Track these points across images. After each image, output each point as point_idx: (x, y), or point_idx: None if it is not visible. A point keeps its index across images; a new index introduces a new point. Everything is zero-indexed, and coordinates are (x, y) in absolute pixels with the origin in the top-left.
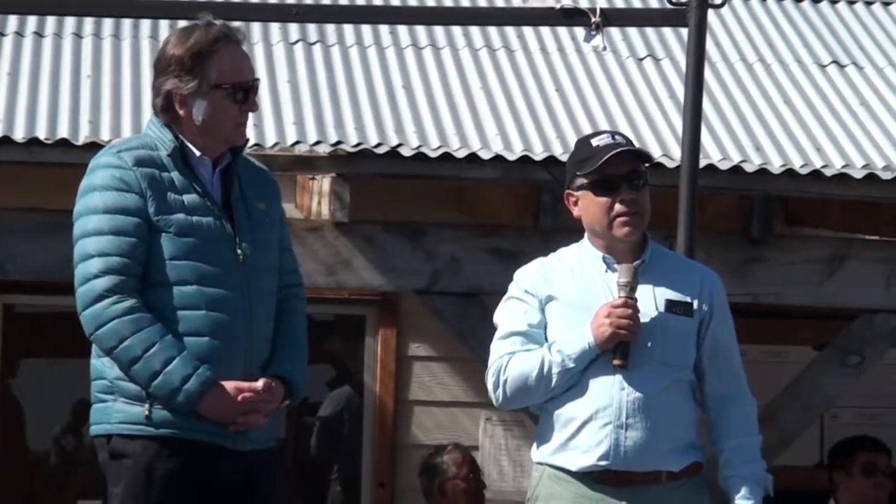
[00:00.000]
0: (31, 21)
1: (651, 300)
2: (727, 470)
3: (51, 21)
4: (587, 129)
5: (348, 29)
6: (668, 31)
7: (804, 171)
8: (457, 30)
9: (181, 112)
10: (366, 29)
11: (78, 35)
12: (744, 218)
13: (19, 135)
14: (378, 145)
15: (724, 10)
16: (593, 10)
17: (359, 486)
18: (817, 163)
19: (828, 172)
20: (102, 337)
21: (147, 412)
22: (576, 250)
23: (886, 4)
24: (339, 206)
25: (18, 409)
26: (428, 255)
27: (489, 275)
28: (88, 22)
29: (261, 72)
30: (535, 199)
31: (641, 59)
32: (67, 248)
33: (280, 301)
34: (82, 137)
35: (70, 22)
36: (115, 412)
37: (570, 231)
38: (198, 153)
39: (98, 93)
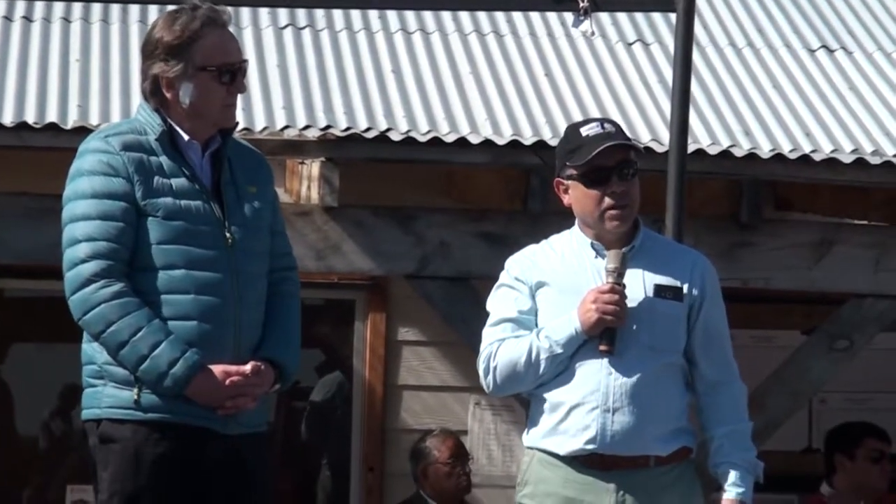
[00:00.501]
0: (20, 5)
1: (640, 285)
2: (718, 457)
3: (39, 5)
4: (576, 114)
5: (337, 13)
6: (657, 16)
7: (793, 156)
8: (446, 14)
9: (169, 95)
10: (355, 13)
11: (66, 19)
12: (733, 202)
13: (8, 119)
14: (367, 130)
15: None
16: None
17: (348, 471)
18: (806, 147)
19: (817, 157)
20: (90, 321)
21: (136, 396)
22: (567, 237)
23: None
24: (328, 190)
25: (8, 393)
26: (417, 240)
27: (478, 259)
28: (77, 6)
29: (250, 56)
30: (525, 184)
31: (630, 44)
32: (56, 233)
33: (272, 284)
34: (71, 122)
35: (59, 6)
36: (104, 397)
37: (560, 215)
38: (186, 137)
39: (87, 77)
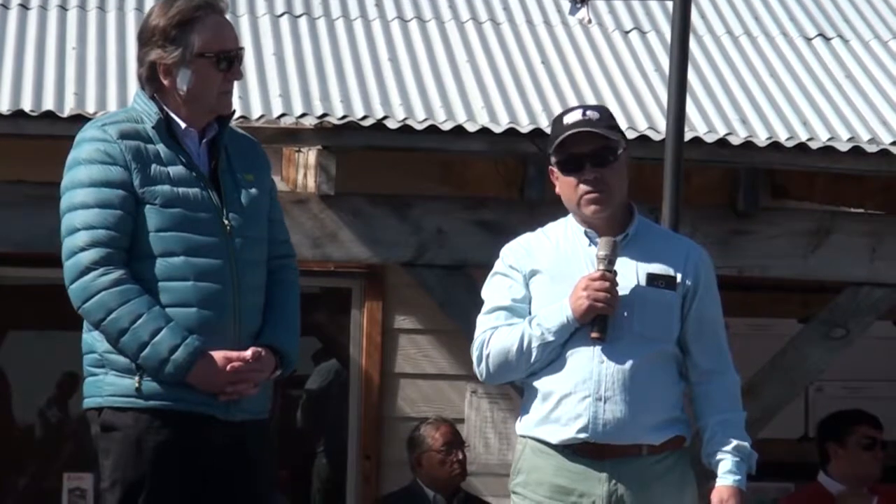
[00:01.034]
0: None
1: (633, 273)
2: (711, 445)
3: None
4: (573, 102)
5: (334, 2)
6: (653, 4)
7: (790, 144)
8: (443, 2)
9: (165, 82)
10: (352, 2)
11: (63, 7)
12: (729, 191)
13: (4, 107)
14: (364, 118)
15: None
16: None
17: (345, 459)
18: (803, 136)
19: (813, 145)
20: (90, 309)
21: (137, 384)
22: (562, 225)
23: None
24: (324, 178)
25: (5, 381)
26: (414, 228)
27: (475, 247)
28: None
29: (246, 44)
30: (521, 172)
31: (627, 32)
32: (53, 221)
33: (271, 272)
34: (68, 109)
35: None
36: (105, 385)
37: (556, 203)
38: (183, 125)
39: (83, 65)
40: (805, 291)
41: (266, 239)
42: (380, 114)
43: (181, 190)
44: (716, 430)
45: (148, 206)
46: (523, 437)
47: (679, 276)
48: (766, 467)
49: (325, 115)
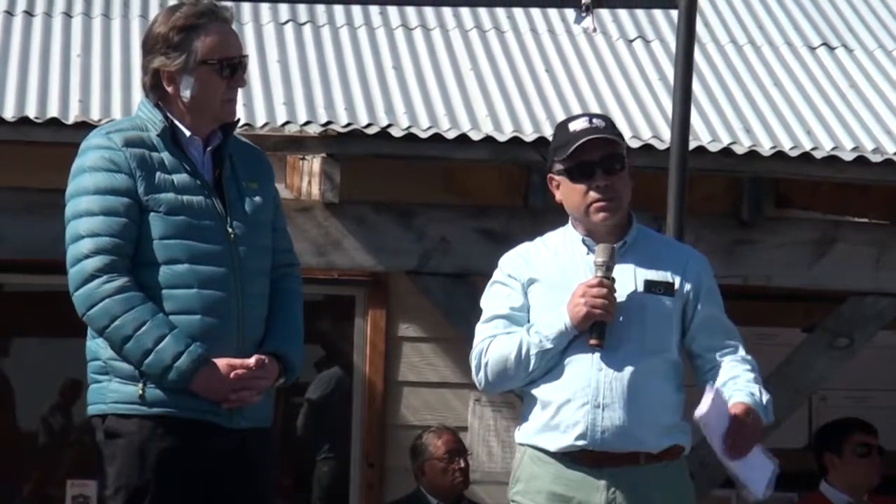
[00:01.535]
0: (22, 0)
1: (631, 280)
2: (725, 376)
3: (41, 0)
4: (577, 111)
5: (338, 10)
6: (658, 13)
7: (794, 154)
8: (447, 11)
9: (169, 90)
10: (356, 10)
11: (68, 14)
12: (733, 200)
13: (9, 114)
14: (368, 126)
15: None
16: None
17: (348, 467)
18: (807, 145)
19: (818, 155)
20: (94, 317)
21: (141, 391)
22: (561, 234)
23: None
24: (329, 186)
25: (9, 388)
26: (418, 236)
27: (479, 255)
28: (78, 1)
29: (251, 52)
30: (525, 180)
31: (631, 41)
32: (58, 228)
33: (274, 281)
34: (72, 117)
35: (60, 1)
36: (109, 392)
37: (560, 212)
38: (188, 133)
39: (88, 72)
40: (809, 301)
41: (270, 247)
42: (384, 122)
43: (185, 198)
44: (727, 367)
45: (152, 214)
46: (522, 445)
47: (678, 283)
48: None
49: (329, 122)
